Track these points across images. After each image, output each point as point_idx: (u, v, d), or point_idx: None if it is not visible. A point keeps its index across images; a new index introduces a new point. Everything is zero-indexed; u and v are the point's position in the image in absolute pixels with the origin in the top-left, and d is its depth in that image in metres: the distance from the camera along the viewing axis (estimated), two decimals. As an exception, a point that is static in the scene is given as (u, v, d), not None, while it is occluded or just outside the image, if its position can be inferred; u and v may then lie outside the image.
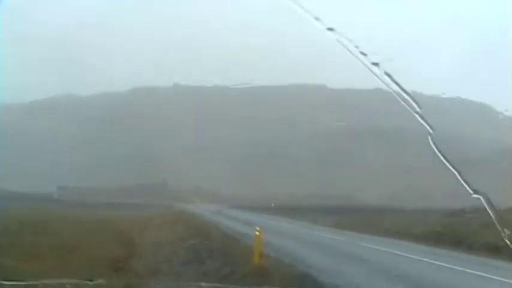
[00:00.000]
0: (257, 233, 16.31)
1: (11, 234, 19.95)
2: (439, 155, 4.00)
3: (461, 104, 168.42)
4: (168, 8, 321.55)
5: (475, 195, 4.01)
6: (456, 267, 16.38)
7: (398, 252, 20.18)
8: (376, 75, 3.94)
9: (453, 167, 3.99)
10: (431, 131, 4.04)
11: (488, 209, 4.06)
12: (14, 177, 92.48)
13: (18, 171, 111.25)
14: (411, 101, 3.91)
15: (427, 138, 4.10)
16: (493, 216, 4.11)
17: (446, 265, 16.95)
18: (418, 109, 3.92)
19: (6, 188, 66.88)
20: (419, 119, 3.95)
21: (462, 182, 4.01)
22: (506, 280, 13.56)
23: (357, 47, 3.95)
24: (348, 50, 3.94)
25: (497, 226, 4.22)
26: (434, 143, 4.07)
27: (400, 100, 3.92)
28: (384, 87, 4.00)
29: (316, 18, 4.01)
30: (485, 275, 14.81)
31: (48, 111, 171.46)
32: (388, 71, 3.96)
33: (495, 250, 18.98)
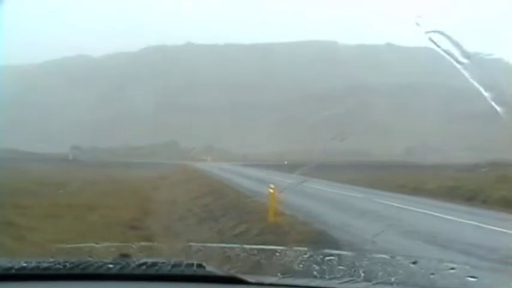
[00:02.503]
0: (271, 190, 16.28)
1: (29, 195, 20.21)
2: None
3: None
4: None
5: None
6: (469, 222, 16.38)
7: (412, 208, 20.18)
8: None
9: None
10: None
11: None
12: (28, 138, 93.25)
13: (33, 133, 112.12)
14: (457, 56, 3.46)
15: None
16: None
17: (459, 220, 16.95)
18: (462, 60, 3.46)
19: (21, 149, 67.48)
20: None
21: None
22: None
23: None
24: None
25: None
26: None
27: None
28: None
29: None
30: (499, 229, 14.80)
31: (61, 72, 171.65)
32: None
33: (510, 204, 18.94)
